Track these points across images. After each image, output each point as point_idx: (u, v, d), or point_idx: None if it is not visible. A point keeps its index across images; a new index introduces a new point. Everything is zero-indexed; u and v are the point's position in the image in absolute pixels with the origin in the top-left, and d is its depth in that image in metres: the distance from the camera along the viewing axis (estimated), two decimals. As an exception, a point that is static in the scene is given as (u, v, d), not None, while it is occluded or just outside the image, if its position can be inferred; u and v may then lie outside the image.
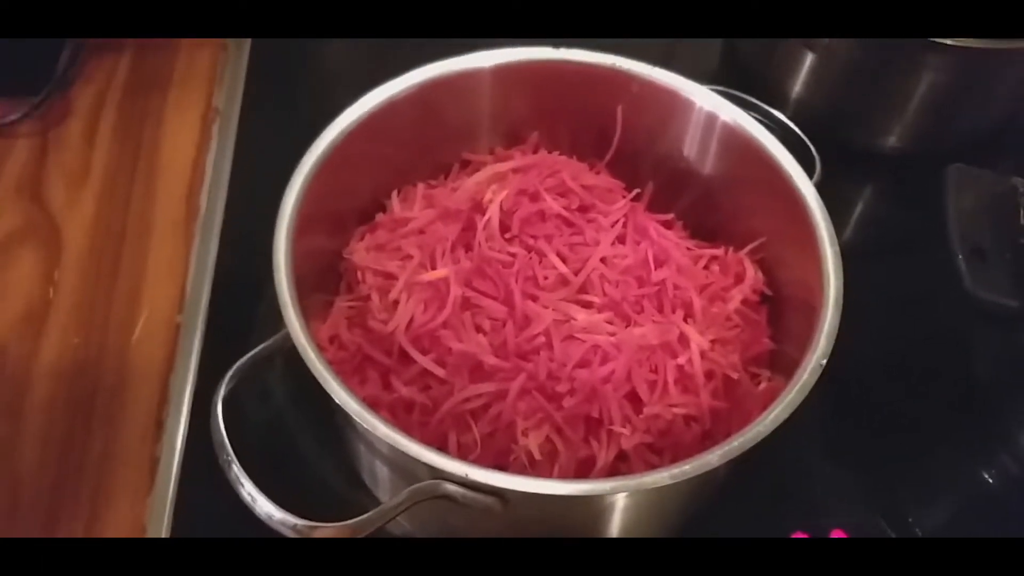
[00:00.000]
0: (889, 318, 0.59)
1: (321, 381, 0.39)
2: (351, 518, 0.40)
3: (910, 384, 0.57)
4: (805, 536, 0.51)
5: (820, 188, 0.49)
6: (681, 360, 0.45)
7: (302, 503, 0.45)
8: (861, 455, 0.54)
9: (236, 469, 0.39)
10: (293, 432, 0.52)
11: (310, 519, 0.39)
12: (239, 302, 0.57)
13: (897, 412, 0.56)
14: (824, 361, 0.41)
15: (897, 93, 0.62)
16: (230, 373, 0.41)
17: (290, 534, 0.38)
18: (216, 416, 0.40)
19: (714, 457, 0.38)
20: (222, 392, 0.40)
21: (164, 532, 0.48)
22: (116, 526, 0.49)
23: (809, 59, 0.63)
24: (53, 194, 0.63)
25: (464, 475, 0.37)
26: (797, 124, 0.54)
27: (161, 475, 0.50)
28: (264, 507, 0.38)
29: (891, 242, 0.63)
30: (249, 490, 0.38)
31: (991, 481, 0.55)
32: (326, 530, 0.38)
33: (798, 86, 0.65)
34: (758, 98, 0.54)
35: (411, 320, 0.45)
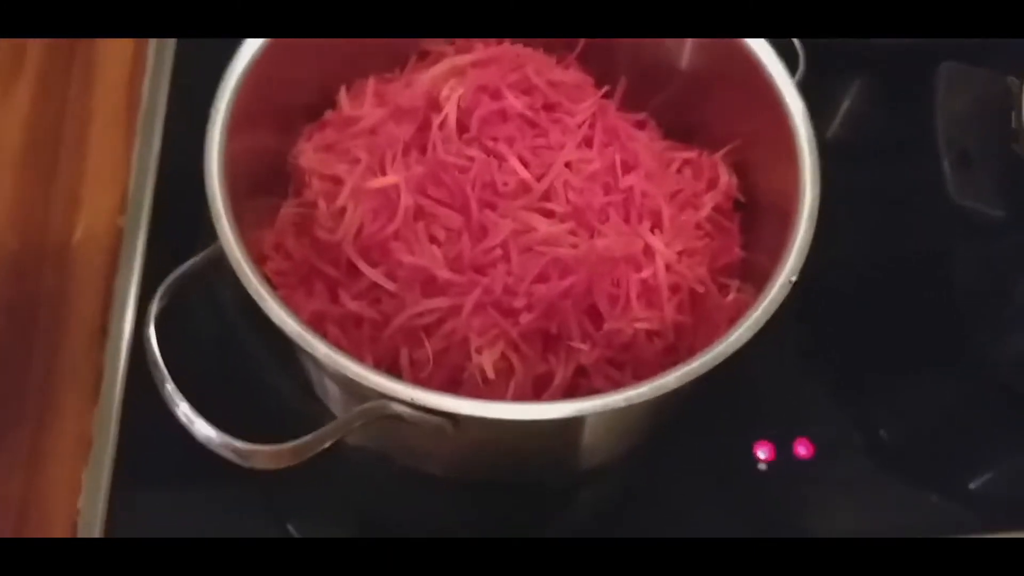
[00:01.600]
0: (868, 223, 0.57)
1: (258, 300, 0.37)
2: (304, 433, 0.39)
3: (886, 292, 0.55)
4: (769, 445, 0.50)
5: (804, 82, 0.46)
6: (645, 274, 0.43)
7: (252, 418, 0.43)
8: (833, 364, 0.53)
9: (170, 389, 0.37)
10: (243, 342, 0.50)
11: (259, 435, 0.38)
12: (184, 203, 0.52)
13: (871, 320, 0.54)
14: (794, 278, 0.39)
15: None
16: (161, 290, 0.38)
17: (230, 457, 0.36)
18: (148, 336, 0.37)
19: (672, 379, 0.36)
20: (154, 310, 0.38)
21: (110, 445, 0.47)
22: (62, 440, 0.48)
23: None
24: (-15, 89, 0.58)
25: (410, 398, 0.35)
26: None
27: (106, 386, 0.49)
28: (202, 430, 0.36)
29: (877, 142, 0.60)
30: (185, 411, 0.36)
31: (962, 388, 0.54)
32: (265, 454, 0.36)
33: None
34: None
35: (359, 230, 0.43)
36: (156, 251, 0.52)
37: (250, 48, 0.44)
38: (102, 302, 0.51)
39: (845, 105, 0.63)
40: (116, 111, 0.58)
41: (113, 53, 0.60)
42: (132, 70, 0.59)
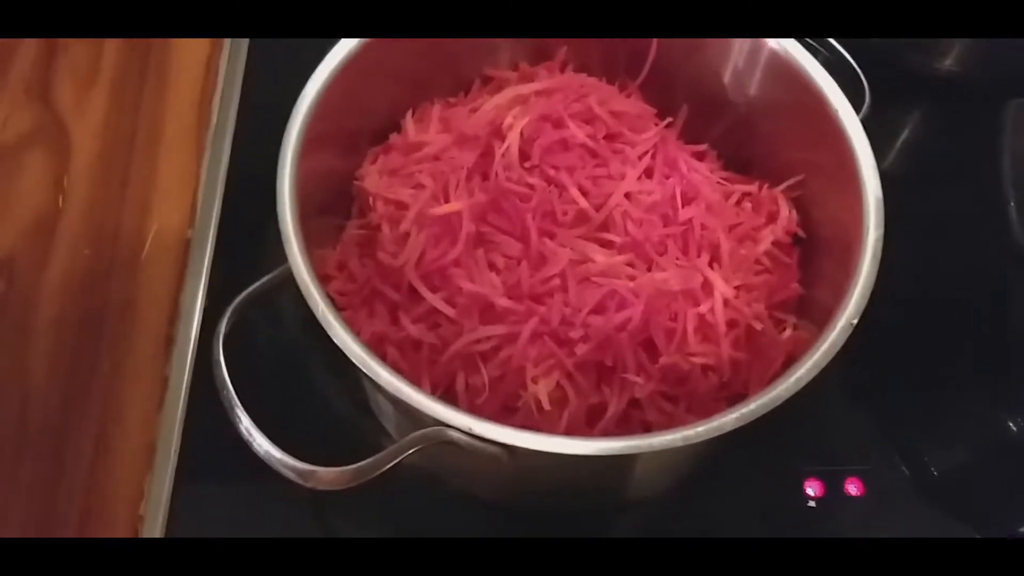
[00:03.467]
0: (923, 255, 0.56)
1: (325, 326, 0.38)
2: (359, 447, 0.39)
3: (938, 326, 0.54)
4: (819, 482, 0.50)
5: (867, 113, 0.46)
6: (703, 309, 0.43)
7: (310, 431, 0.44)
8: (881, 397, 0.52)
9: (236, 407, 0.38)
10: (304, 357, 0.51)
11: (315, 449, 0.39)
12: (251, 216, 0.54)
13: (922, 354, 0.54)
14: (855, 321, 0.39)
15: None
16: (230, 309, 0.40)
17: (290, 476, 0.37)
18: (217, 355, 0.38)
19: (731, 420, 0.36)
20: (223, 330, 0.39)
21: (173, 453, 0.48)
22: (125, 446, 0.49)
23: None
24: (61, 95, 0.61)
25: (468, 428, 0.36)
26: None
27: (171, 395, 0.50)
28: (263, 447, 0.38)
29: (936, 175, 0.59)
30: (247, 427, 0.38)
31: (1014, 429, 0.53)
32: (325, 476, 0.37)
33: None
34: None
35: (421, 255, 0.43)
36: (223, 264, 0.54)
37: (321, 74, 0.45)
38: (168, 312, 0.53)
39: (906, 135, 0.62)
40: (187, 121, 0.60)
41: (185, 63, 0.62)
42: (204, 81, 0.61)
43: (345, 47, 0.46)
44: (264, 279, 0.41)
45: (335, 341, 0.38)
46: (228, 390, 0.38)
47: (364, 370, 0.37)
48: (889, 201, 0.43)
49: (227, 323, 0.39)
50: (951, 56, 0.60)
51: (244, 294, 0.40)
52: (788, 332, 0.45)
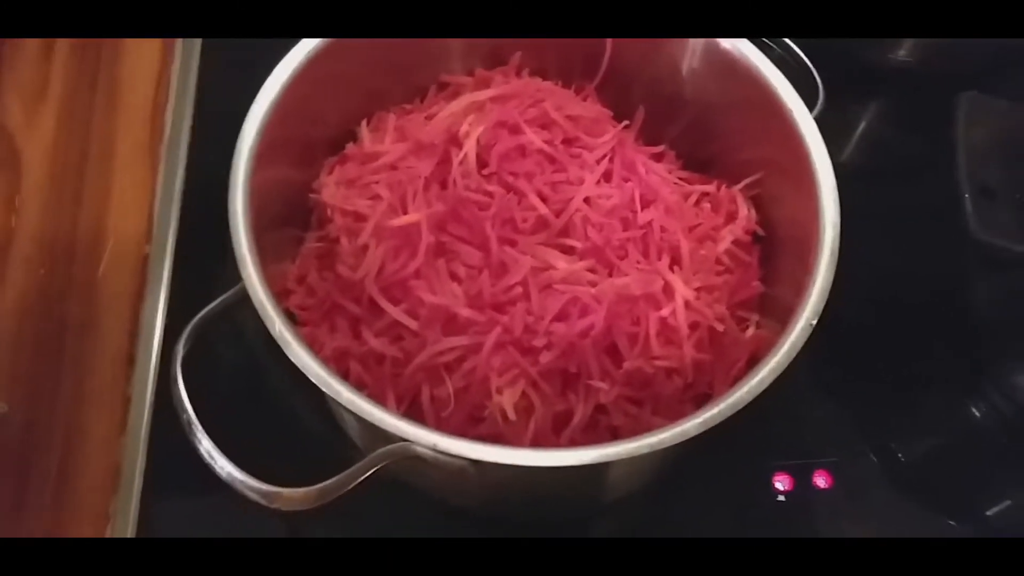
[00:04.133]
0: (884, 249, 0.57)
1: (283, 345, 0.37)
2: (327, 461, 0.39)
3: (898, 318, 0.55)
4: (788, 476, 0.50)
5: (822, 110, 0.46)
6: (664, 312, 0.43)
7: (277, 448, 0.44)
8: (848, 390, 0.53)
9: (196, 430, 0.37)
10: (268, 372, 0.50)
11: (284, 466, 0.38)
12: (210, 228, 0.53)
13: (887, 346, 0.54)
14: (814, 322, 0.39)
15: None
16: (187, 330, 0.39)
17: (255, 498, 0.37)
18: (175, 376, 0.38)
19: (693, 426, 0.37)
20: (180, 351, 0.38)
21: (138, 474, 0.48)
22: (89, 469, 0.48)
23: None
24: (10, 113, 0.59)
25: (433, 444, 0.36)
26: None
27: (134, 415, 0.49)
28: (225, 468, 0.37)
29: (893, 168, 0.60)
30: (208, 449, 0.37)
31: (978, 415, 0.54)
32: (290, 496, 0.36)
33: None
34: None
35: (381, 268, 0.43)
36: (183, 278, 0.53)
37: (274, 83, 0.45)
38: (128, 330, 0.52)
39: (860, 128, 0.63)
40: (140, 134, 0.59)
41: (136, 74, 0.61)
42: (155, 92, 0.60)
43: (297, 55, 0.45)
44: (220, 298, 0.40)
45: (294, 363, 0.37)
46: (188, 412, 0.38)
47: (325, 390, 0.37)
48: (847, 195, 0.44)
49: (185, 343, 0.39)
50: (904, 47, 0.61)
51: (201, 314, 0.40)
52: (751, 331, 0.46)
